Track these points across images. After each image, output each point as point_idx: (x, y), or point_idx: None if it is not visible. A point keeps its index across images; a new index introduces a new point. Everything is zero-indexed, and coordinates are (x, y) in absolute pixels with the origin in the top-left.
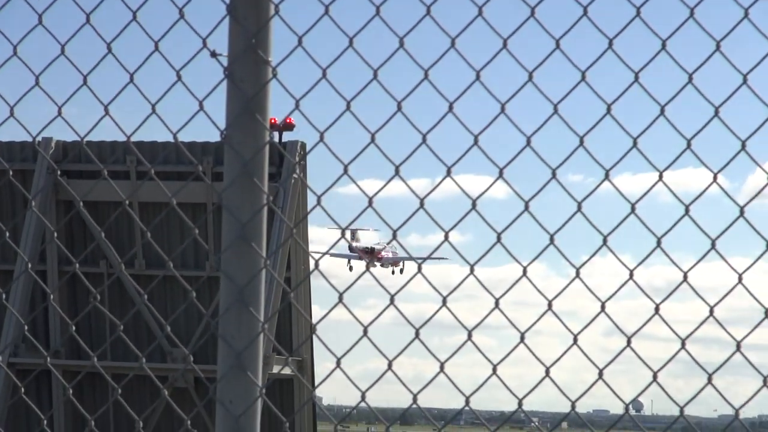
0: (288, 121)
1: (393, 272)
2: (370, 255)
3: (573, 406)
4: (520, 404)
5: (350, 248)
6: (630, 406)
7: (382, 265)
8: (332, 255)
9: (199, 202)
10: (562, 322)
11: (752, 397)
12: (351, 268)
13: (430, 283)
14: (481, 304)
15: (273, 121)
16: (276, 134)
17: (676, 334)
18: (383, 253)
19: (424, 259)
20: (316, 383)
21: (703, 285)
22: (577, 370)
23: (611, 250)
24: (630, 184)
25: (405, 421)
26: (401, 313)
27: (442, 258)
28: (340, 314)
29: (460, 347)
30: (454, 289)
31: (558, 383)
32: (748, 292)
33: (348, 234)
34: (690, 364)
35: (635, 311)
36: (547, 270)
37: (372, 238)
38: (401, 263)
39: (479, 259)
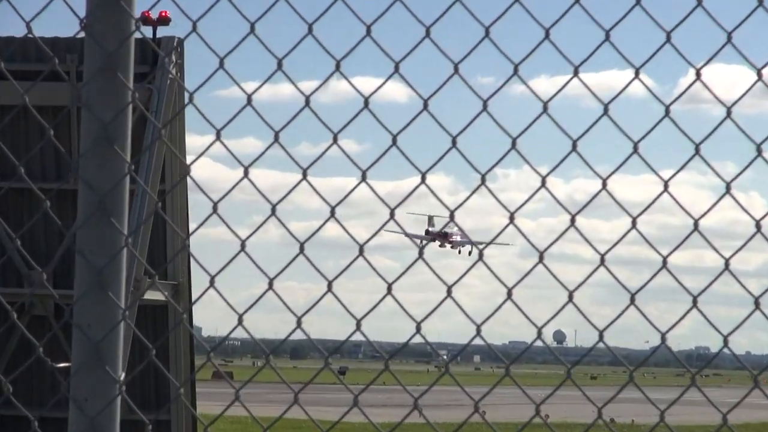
0: (163, 14)
1: (459, 252)
2: (443, 238)
3: (478, 330)
4: (418, 328)
5: (426, 232)
6: (547, 336)
7: (452, 246)
8: (407, 235)
9: (65, 105)
10: (463, 231)
11: (680, 320)
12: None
13: (322, 197)
14: (382, 222)
15: (146, 14)
16: (150, 30)
17: (595, 249)
18: (454, 237)
19: (488, 243)
20: (194, 311)
21: (630, 200)
22: (492, 296)
23: (520, 154)
24: (547, 86)
25: (296, 355)
26: (284, 225)
27: (506, 243)
28: (221, 233)
29: (349, 264)
30: (343, 198)
31: (471, 312)
32: (675, 201)
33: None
34: (618, 289)
35: (554, 229)
36: (455, 183)
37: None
38: (470, 246)
39: (371, 165)
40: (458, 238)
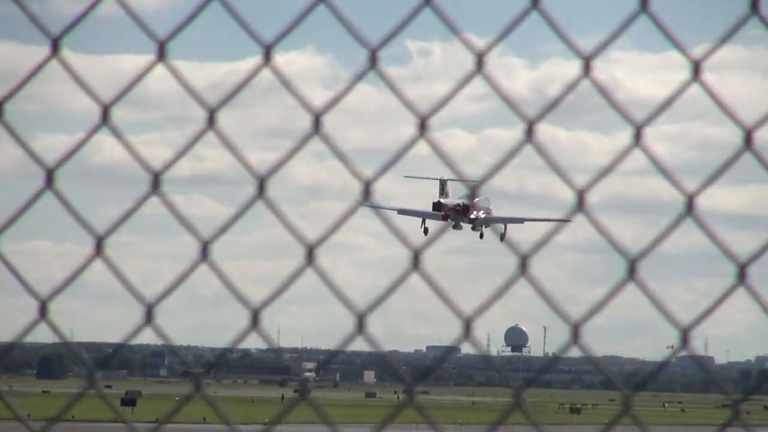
0: None
1: (481, 235)
2: (461, 214)
3: (360, 324)
4: (254, 321)
5: (435, 205)
6: (497, 337)
7: (473, 227)
8: (401, 212)
9: None
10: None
11: (715, 306)
12: (426, 231)
13: (88, 90)
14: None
15: None
16: None
17: (567, 182)
18: (477, 212)
19: (535, 220)
20: None
21: (647, 96)
22: (402, 267)
23: (437, 13)
24: None
25: (48, 371)
26: (21, 141)
27: (564, 219)
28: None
29: (134, 209)
30: (126, 90)
31: (361, 294)
32: (711, 96)
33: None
34: (617, 258)
35: (510, 148)
36: (333, 66)
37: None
38: (503, 226)
39: (177, 31)
40: (483, 214)
